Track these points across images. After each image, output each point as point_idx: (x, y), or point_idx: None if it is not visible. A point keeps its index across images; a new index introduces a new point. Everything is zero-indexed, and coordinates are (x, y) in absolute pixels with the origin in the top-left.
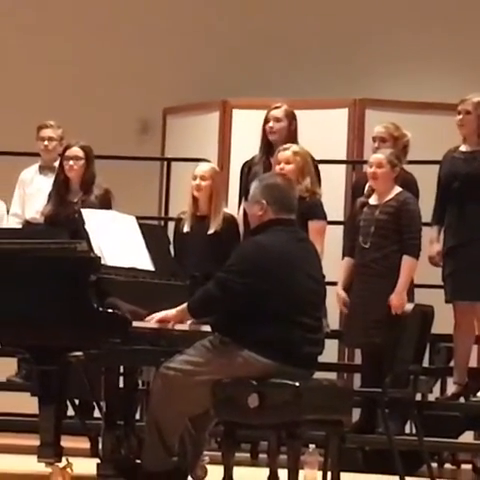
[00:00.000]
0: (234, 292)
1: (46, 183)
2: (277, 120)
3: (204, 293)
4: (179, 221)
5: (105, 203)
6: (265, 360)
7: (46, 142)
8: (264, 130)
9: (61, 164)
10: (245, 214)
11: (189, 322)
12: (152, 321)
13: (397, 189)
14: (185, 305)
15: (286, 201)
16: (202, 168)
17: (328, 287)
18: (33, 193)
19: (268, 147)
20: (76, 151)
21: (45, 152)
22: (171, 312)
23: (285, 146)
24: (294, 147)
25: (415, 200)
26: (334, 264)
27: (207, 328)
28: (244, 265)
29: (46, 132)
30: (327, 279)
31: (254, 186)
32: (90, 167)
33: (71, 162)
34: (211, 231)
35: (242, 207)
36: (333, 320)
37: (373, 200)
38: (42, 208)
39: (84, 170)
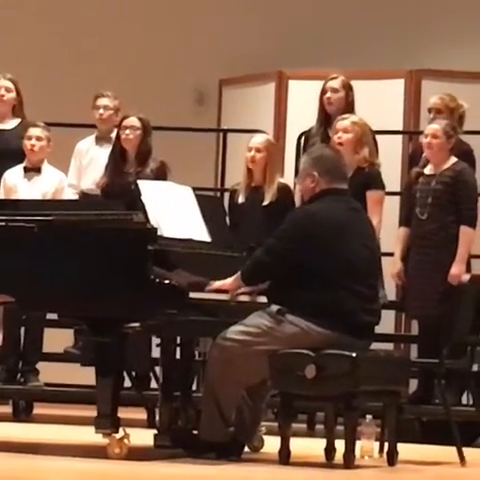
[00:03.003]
0: (282, 258)
1: (101, 153)
2: (334, 91)
3: (254, 260)
4: (234, 192)
5: (161, 176)
6: (321, 330)
7: (101, 110)
8: (321, 101)
9: (118, 135)
10: None
11: (241, 290)
12: (211, 288)
13: (453, 159)
14: (239, 273)
15: (337, 171)
16: (257, 139)
17: (384, 257)
18: (88, 163)
19: (325, 118)
20: (133, 121)
21: (100, 121)
22: (227, 281)
23: (344, 116)
24: (353, 117)
25: (471, 170)
26: (390, 235)
27: (263, 299)
28: (293, 232)
29: (102, 101)
30: (383, 250)
31: (304, 160)
32: (146, 138)
33: (127, 131)
34: (266, 202)
35: None
36: (390, 291)
37: (428, 170)
38: (98, 179)
39: (140, 141)
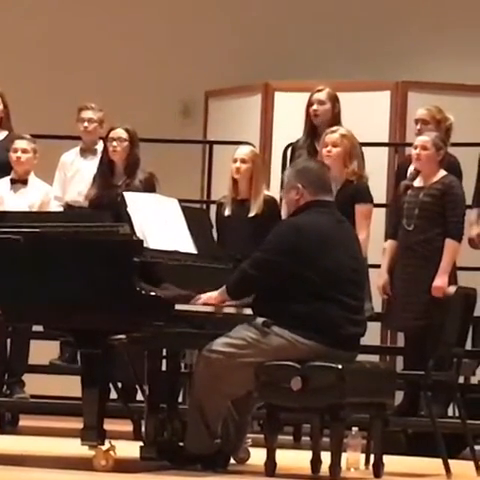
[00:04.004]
0: (268, 271)
1: (86, 165)
2: (321, 103)
3: (240, 273)
4: (220, 205)
5: (149, 187)
6: (307, 341)
7: (86, 123)
8: (308, 113)
9: (105, 147)
10: None
11: (228, 303)
12: (198, 302)
13: (442, 172)
14: (224, 287)
15: (321, 183)
16: (242, 151)
17: (371, 270)
18: (73, 175)
19: (312, 130)
20: (120, 132)
21: (85, 134)
22: (213, 294)
23: (332, 129)
24: (342, 130)
25: (460, 184)
26: (376, 247)
27: (249, 311)
28: (279, 244)
29: (86, 113)
30: (369, 261)
31: (288, 172)
32: (134, 150)
33: (115, 143)
34: (252, 214)
35: None
36: (377, 303)
37: (418, 182)
38: (86, 191)
39: (128, 153)
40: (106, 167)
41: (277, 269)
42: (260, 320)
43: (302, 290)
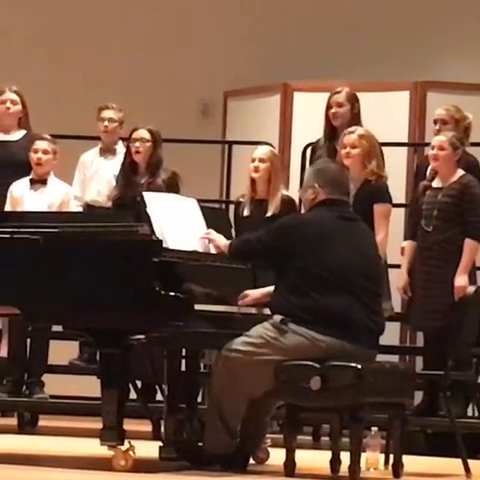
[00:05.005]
0: (267, 249)
1: (105, 165)
2: (339, 105)
3: (245, 239)
4: (238, 205)
5: (172, 186)
6: (324, 337)
7: (106, 123)
8: (327, 116)
9: (128, 148)
10: None
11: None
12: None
13: (460, 172)
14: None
15: (338, 183)
16: (260, 151)
17: (390, 270)
18: (92, 175)
19: (331, 132)
20: (143, 133)
21: (105, 133)
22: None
23: (350, 129)
24: (360, 130)
25: (478, 183)
26: (395, 246)
27: (268, 311)
28: (277, 231)
29: (107, 113)
30: (389, 262)
31: (307, 173)
32: (157, 150)
33: (137, 144)
34: (269, 214)
35: None
36: (396, 303)
37: (436, 183)
38: (109, 192)
39: (151, 153)
40: (128, 168)
41: (274, 251)
42: (278, 318)
43: (313, 286)
